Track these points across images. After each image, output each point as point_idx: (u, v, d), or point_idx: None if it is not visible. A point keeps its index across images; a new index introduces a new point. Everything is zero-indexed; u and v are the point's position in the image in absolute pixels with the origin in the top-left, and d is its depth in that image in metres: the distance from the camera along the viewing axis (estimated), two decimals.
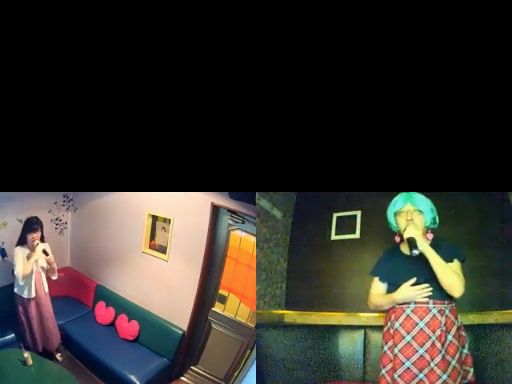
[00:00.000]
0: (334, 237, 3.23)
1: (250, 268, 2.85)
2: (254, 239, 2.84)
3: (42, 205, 3.39)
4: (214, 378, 3.08)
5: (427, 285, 1.69)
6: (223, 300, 3.03)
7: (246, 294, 2.90)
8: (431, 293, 1.68)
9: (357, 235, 3.14)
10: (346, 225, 3.21)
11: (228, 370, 2.98)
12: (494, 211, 2.72)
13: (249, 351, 2.77)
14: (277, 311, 3.14)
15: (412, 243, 1.69)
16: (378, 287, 1.87)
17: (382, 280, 1.86)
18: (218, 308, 3.06)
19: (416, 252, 1.67)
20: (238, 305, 2.96)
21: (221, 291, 3.03)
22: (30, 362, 2.44)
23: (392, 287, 1.80)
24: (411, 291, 1.70)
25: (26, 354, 2.43)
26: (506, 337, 2.16)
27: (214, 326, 3.08)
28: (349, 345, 2.50)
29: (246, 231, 2.88)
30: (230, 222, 2.90)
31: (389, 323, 1.79)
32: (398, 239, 1.88)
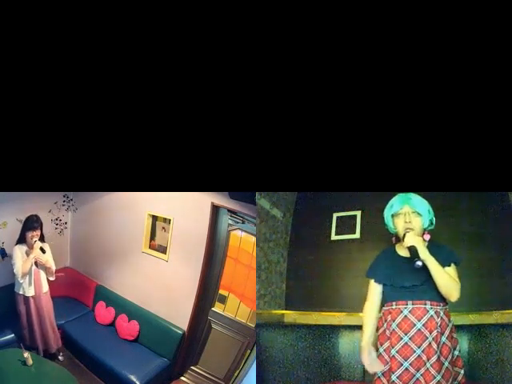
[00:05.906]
0: (333, 237, 3.23)
1: (250, 268, 2.85)
2: (253, 239, 2.84)
3: (41, 205, 3.39)
4: (214, 378, 3.08)
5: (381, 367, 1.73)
6: (223, 300, 3.03)
7: (245, 294, 2.90)
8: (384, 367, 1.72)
9: (357, 235, 3.14)
10: (345, 225, 3.21)
11: (228, 370, 2.98)
12: (493, 211, 2.72)
13: (249, 351, 2.77)
14: (277, 311, 3.14)
15: (414, 253, 1.67)
16: (374, 292, 1.85)
17: (377, 281, 1.84)
18: (217, 308, 3.06)
19: (420, 264, 1.63)
20: (238, 305, 2.96)
21: (221, 291, 3.03)
22: (30, 361, 2.43)
23: (388, 288, 1.80)
24: (366, 360, 1.76)
25: (26, 354, 2.43)
26: (505, 337, 2.16)
27: (213, 326, 3.08)
28: (349, 345, 2.50)
29: (245, 231, 2.88)
30: (230, 221, 2.90)
31: (385, 324, 1.79)
32: (394, 240, 1.88)
